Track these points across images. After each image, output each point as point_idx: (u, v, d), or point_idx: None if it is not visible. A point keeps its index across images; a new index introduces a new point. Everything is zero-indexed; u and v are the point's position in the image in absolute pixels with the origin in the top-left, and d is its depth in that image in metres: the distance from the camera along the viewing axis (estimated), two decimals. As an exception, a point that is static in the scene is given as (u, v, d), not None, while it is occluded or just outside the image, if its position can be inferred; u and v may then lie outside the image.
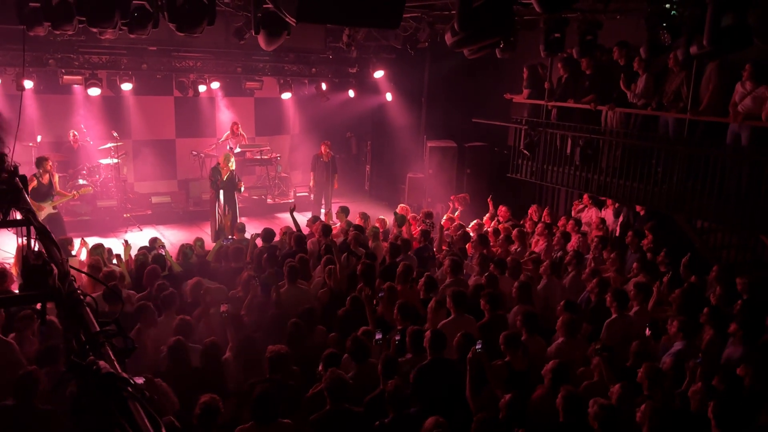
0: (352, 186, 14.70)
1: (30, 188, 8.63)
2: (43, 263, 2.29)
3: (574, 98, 9.26)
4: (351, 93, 13.62)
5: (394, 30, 9.70)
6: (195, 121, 13.77)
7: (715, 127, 7.58)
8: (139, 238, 10.58)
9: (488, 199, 10.28)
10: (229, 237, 8.96)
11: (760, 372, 4.29)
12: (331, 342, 5.37)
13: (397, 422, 4.10)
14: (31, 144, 11.27)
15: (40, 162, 9.28)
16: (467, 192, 11.28)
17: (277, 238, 8.28)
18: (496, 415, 3.99)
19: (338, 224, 9.41)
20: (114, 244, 8.40)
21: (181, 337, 4.77)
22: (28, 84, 10.15)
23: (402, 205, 10.18)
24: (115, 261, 7.38)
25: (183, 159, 13.70)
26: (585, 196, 9.82)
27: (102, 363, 1.56)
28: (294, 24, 3.43)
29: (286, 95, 13.00)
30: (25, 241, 2.68)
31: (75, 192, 10.21)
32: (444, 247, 8.30)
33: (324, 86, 13.24)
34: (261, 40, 6.12)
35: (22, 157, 10.41)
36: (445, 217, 9.78)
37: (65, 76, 10.67)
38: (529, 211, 9.93)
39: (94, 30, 6.43)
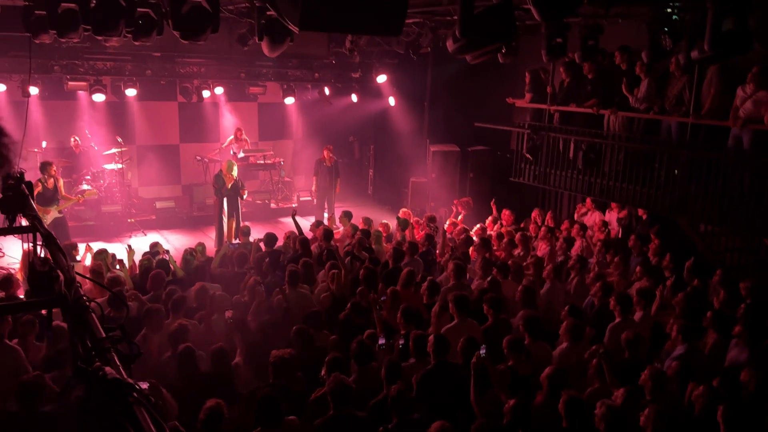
0: (356, 190, 14.73)
1: (35, 193, 8.68)
2: (50, 269, 2.32)
3: (577, 102, 9.27)
4: (354, 98, 13.66)
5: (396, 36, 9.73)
6: (199, 127, 13.84)
7: (717, 130, 7.58)
8: (144, 243, 10.62)
9: (491, 203, 10.29)
10: (235, 242, 9.00)
11: (765, 375, 4.28)
12: (331, 345, 5.38)
13: (401, 427, 4.10)
14: (36, 150, 11.34)
15: (45, 167, 9.35)
16: (470, 196, 11.29)
17: (280, 243, 8.31)
18: (497, 420, 4.00)
19: (341, 228, 9.44)
20: (118, 249, 8.44)
21: (189, 343, 4.79)
22: (34, 90, 10.22)
23: (404, 209, 10.20)
24: (118, 267, 7.41)
25: (187, 164, 13.77)
26: (588, 199, 9.83)
27: (108, 369, 1.58)
28: (297, 32, 3.46)
29: (289, 100, 13.05)
30: (31, 247, 2.71)
31: (80, 196, 10.27)
32: (447, 251, 8.32)
33: (327, 91, 13.30)
34: (264, 47, 6.16)
35: (28, 162, 10.48)
36: (448, 222, 9.80)
37: (70, 83, 10.75)
38: (532, 215, 9.94)
39: (99, 37, 6.48)
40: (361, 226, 9.08)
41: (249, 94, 12.73)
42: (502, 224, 9.70)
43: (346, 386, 4.18)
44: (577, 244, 8.44)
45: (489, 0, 5.22)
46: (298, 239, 7.94)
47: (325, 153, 12.39)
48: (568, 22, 7.71)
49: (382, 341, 5.08)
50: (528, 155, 9.87)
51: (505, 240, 8.46)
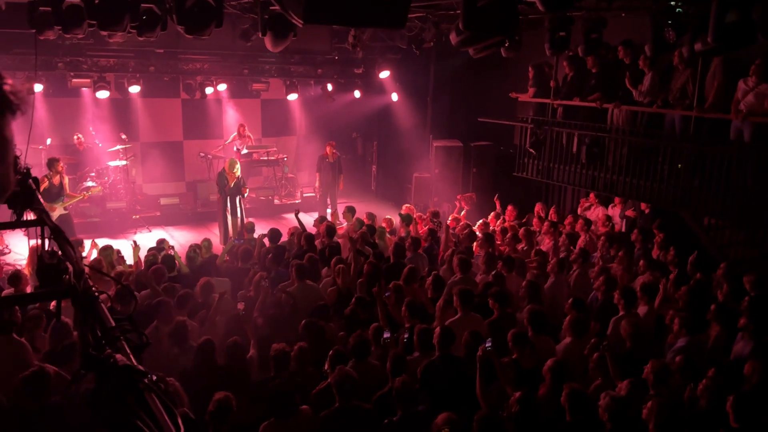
0: (359, 186, 14.74)
1: (41, 189, 8.72)
2: (58, 261, 2.34)
3: (580, 96, 9.26)
4: (357, 93, 13.67)
5: (399, 30, 9.73)
6: (202, 123, 13.86)
7: (720, 123, 7.57)
8: (148, 239, 10.67)
9: (495, 198, 10.29)
10: (240, 239, 9.03)
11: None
12: (340, 341, 5.41)
13: (406, 419, 4.13)
14: (41, 147, 11.38)
15: (52, 163, 9.39)
16: (473, 191, 11.30)
17: (284, 239, 8.34)
18: (499, 413, 4.02)
19: (344, 224, 9.46)
20: (123, 246, 8.48)
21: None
22: (38, 87, 10.25)
23: (407, 205, 10.21)
24: (120, 266, 7.44)
25: (191, 161, 13.80)
26: (591, 194, 9.82)
27: (119, 356, 1.60)
28: (300, 25, 3.47)
29: (293, 96, 13.05)
30: (39, 242, 2.73)
31: (85, 193, 10.31)
32: (451, 246, 8.33)
33: (330, 87, 13.30)
34: (267, 42, 6.18)
35: (32, 159, 10.52)
36: (450, 217, 9.81)
37: (74, 79, 10.77)
38: (535, 209, 9.94)
39: (103, 33, 6.50)
40: (365, 222, 9.10)
41: (252, 91, 12.74)
42: (504, 219, 9.71)
43: (352, 379, 4.21)
44: (582, 239, 8.43)
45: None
46: (303, 235, 7.97)
47: (328, 149, 12.40)
48: (572, 15, 7.70)
49: (386, 335, 5.10)
50: (531, 150, 9.86)
51: (509, 235, 8.46)
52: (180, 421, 1.51)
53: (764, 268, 6.95)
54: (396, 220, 9.61)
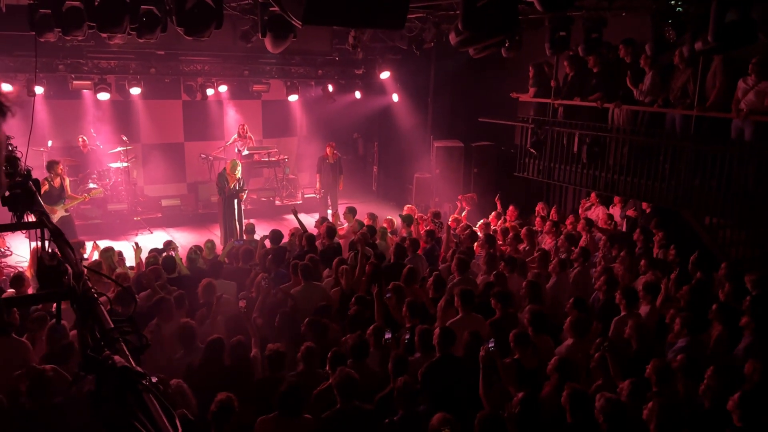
0: (360, 187, 14.74)
1: (42, 192, 8.74)
2: (58, 263, 2.35)
3: (581, 96, 9.25)
4: (357, 94, 13.67)
5: (399, 31, 9.74)
6: (203, 125, 13.88)
7: (721, 123, 7.56)
8: (150, 241, 10.68)
9: (495, 199, 10.29)
10: (240, 240, 9.03)
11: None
12: (344, 343, 5.39)
13: (407, 420, 4.13)
14: (42, 149, 11.40)
15: (52, 165, 9.40)
16: (474, 191, 11.29)
17: (285, 239, 8.34)
18: (504, 412, 4.02)
19: (345, 225, 9.46)
20: (124, 248, 8.48)
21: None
22: (39, 90, 10.27)
23: (408, 205, 10.20)
24: (120, 268, 7.44)
25: (192, 162, 13.81)
26: (593, 194, 9.81)
27: (117, 357, 1.60)
28: (300, 26, 3.47)
29: (293, 97, 13.06)
30: (39, 244, 2.73)
31: (86, 195, 10.32)
32: (452, 246, 8.32)
33: (330, 88, 13.30)
34: (267, 43, 6.18)
35: (33, 161, 10.54)
36: (451, 218, 9.81)
37: (75, 82, 10.78)
38: (537, 208, 9.93)
39: (103, 35, 6.51)
40: (366, 222, 9.10)
41: (253, 92, 12.75)
42: (506, 219, 9.70)
43: (353, 380, 4.21)
44: (583, 239, 8.42)
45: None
46: (304, 236, 7.96)
47: (328, 150, 12.41)
48: (572, 15, 7.69)
49: (388, 335, 5.10)
50: (532, 150, 9.86)
51: (510, 235, 8.46)
52: (178, 423, 1.52)
53: (766, 267, 6.95)
54: (397, 221, 9.61)
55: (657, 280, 6.23)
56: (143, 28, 5.97)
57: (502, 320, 5.59)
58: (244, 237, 9.11)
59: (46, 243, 2.71)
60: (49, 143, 11.70)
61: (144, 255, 7.85)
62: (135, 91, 11.33)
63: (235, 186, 10.54)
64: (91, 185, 11.38)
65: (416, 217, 9.34)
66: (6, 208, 3.10)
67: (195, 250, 7.86)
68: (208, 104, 13.33)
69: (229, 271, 7.28)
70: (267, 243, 8.21)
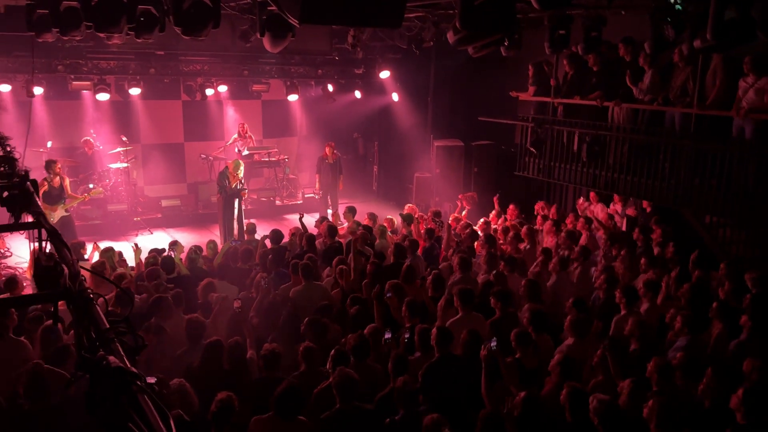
0: (360, 186, 14.74)
1: (42, 192, 8.74)
2: (55, 264, 2.34)
3: (581, 95, 9.24)
4: (357, 94, 13.66)
5: (398, 30, 9.72)
6: (203, 125, 13.88)
7: (721, 121, 7.55)
8: (150, 241, 10.68)
9: (494, 199, 10.28)
10: (237, 240, 9.03)
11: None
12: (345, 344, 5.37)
13: (408, 419, 4.12)
14: (41, 150, 11.40)
15: (50, 165, 9.39)
16: (475, 190, 11.28)
17: (286, 239, 8.33)
18: (505, 411, 4.01)
19: (345, 224, 9.46)
20: (125, 248, 8.48)
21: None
22: (38, 90, 10.27)
23: (409, 205, 10.19)
24: (121, 268, 7.44)
25: (192, 162, 13.81)
26: (592, 194, 9.79)
27: (111, 358, 1.59)
28: (297, 25, 3.47)
29: (293, 97, 13.05)
30: (36, 245, 2.73)
31: (86, 194, 10.32)
32: (453, 245, 8.32)
33: (330, 87, 13.30)
34: (266, 43, 6.18)
35: (33, 162, 10.53)
36: (452, 217, 9.80)
37: (74, 82, 10.78)
38: (536, 207, 9.93)
39: (102, 35, 6.51)
40: (366, 222, 9.09)
41: (252, 92, 12.74)
42: (506, 218, 9.69)
43: (353, 380, 4.20)
44: (583, 237, 8.41)
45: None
46: (304, 236, 7.96)
47: (327, 150, 12.40)
48: (571, 14, 7.68)
49: (387, 335, 5.09)
50: (532, 149, 9.85)
51: (510, 234, 8.45)
52: (172, 424, 1.51)
53: (766, 266, 6.93)
54: (397, 221, 9.61)
55: (657, 277, 6.23)
56: (141, 28, 5.96)
57: (502, 320, 5.58)
58: (245, 237, 9.10)
59: (44, 244, 2.71)
60: (49, 144, 11.69)
61: (144, 255, 7.85)
62: (134, 91, 11.33)
63: (236, 186, 10.54)
64: (91, 186, 11.38)
65: (416, 216, 9.33)
66: (5, 209, 3.10)
67: (195, 250, 7.84)
68: (207, 104, 13.32)
69: (228, 272, 7.28)
70: (267, 243, 8.20)
